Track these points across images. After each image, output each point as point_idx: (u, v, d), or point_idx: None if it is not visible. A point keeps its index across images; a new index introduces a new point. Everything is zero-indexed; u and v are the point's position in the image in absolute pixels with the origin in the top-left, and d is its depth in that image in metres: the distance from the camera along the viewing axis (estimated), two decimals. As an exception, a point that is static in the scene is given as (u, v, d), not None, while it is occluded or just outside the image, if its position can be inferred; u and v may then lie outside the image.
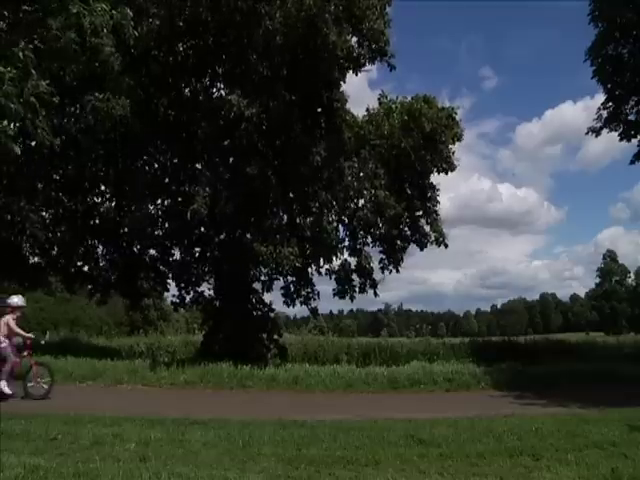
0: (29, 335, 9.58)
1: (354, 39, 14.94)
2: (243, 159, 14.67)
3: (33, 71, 6.88)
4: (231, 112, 13.57)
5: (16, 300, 9.59)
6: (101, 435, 6.22)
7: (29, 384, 9.36)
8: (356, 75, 15.70)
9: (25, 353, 9.53)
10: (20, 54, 6.75)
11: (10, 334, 9.32)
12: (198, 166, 16.52)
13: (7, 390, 9.12)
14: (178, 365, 13.52)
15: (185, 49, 15.36)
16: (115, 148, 15.86)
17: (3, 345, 9.24)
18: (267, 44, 14.05)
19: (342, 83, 15.71)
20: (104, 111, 13.84)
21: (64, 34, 7.12)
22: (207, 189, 14.27)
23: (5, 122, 6.57)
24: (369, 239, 17.85)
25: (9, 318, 9.36)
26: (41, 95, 7.09)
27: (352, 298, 17.49)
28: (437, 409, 9.48)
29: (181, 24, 14.42)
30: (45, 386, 9.40)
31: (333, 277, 17.09)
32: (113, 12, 7.41)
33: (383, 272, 17.73)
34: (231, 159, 15.81)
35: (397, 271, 18.00)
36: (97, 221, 18.08)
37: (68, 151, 15.61)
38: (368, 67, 15.51)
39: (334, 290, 17.29)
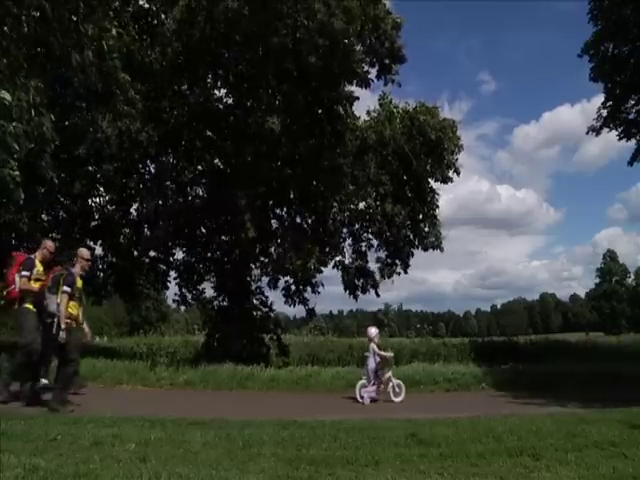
0: None
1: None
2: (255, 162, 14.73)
3: (38, 100, 6.48)
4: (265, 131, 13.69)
5: None
6: (101, 436, 6.19)
7: None
8: (365, 89, 15.88)
9: None
10: (31, 86, 6.28)
11: None
12: (199, 167, 16.51)
13: None
14: (178, 366, 13.49)
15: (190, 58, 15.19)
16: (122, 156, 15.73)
17: None
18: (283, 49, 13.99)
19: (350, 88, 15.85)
20: (122, 126, 13.58)
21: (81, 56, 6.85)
22: None
23: (13, 164, 6.20)
24: (373, 241, 18.02)
25: None
26: (44, 135, 6.79)
27: (356, 297, 17.86)
28: (437, 409, 9.46)
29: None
30: None
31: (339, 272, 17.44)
32: (122, 34, 7.34)
33: (386, 275, 17.83)
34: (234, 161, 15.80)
35: (405, 272, 18.17)
36: (95, 223, 18.01)
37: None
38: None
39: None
